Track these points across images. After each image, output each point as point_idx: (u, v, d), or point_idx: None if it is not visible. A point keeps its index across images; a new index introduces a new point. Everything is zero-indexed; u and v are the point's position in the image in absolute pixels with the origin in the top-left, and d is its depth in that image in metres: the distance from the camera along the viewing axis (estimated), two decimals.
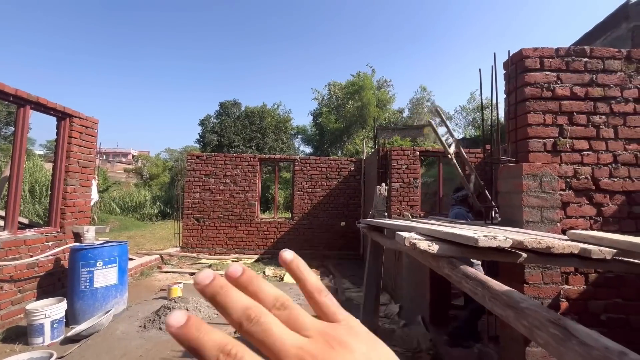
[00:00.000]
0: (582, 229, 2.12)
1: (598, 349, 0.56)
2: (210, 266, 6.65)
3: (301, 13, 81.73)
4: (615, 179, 2.23)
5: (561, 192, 2.18)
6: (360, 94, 22.30)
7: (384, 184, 2.95)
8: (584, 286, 2.16)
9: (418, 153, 6.00)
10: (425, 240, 1.30)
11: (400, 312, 4.28)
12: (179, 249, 7.68)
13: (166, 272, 6.06)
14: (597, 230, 2.20)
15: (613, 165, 2.24)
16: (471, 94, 29.30)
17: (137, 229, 12.53)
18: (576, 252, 1.16)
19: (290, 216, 8.21)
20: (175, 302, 3.82)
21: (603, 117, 2.27)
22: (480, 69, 2.57)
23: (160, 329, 3.33)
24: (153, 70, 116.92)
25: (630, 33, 8.34)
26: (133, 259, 6.06)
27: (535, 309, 0.74)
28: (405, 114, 29.95)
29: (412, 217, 4.77)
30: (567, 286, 2.15)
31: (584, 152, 2.24)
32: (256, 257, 7.59)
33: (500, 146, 2.65)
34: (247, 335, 0.19)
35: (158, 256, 6.70)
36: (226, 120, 23.23)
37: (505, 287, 0.87)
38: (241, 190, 7.86)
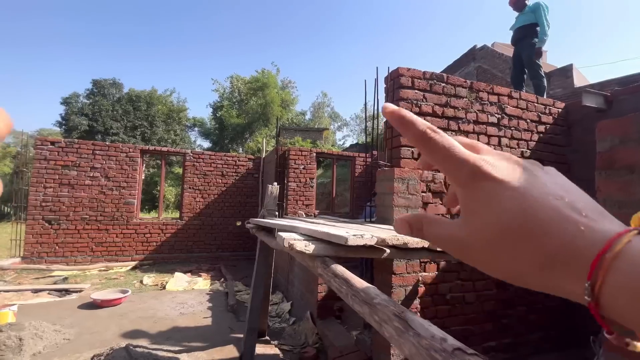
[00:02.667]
0: None
1: (426, 337, 0.62)
2: (66, 279, 5.37)
3: None
4: None
5: (423, 194, 2.56)
6: (264, 92, 22.00)
7: (275, 183, 2.92)
8: (436, 272, 2.60)
9: (315, 154, 6.25)
10: (303, 240, 1.30)
11: (292, 310, 4.35)
12: (18, 259, 5.95)
13: None
14: None
15: None
16: (365, 104, 32.69)
17: None
18: (426, 245, 1.35)
19: (179, 216, 7.40)
20: (1, 330, 2.90)
21: (454, 133, 2.78)
22: (365, 80, 2.80)
23: None
24: None
25: (475, 70, 10.74)
26: None
27: (385, 303, 0.78)
28: (308, 116, 31.14)
29: (307, 215, 4.92)
30: (424, 273, 2.54)
31: None
32: (133, 264, 6.54)
33: (383, 152, 2.96)
34: (428, 142, 0.22)
35: None
36: (101, 101, 19.43)
37: (365, 284, 0.92)
38: (115, 186, 6.64)
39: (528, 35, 4.15)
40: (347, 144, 25.49)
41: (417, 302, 2.42)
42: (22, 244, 6.08)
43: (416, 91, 2.65)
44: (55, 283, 5.12)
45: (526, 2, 4.18)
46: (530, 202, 0.19)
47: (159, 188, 14.47)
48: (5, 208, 12.73)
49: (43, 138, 6.56)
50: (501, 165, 0.21)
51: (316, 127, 24.19)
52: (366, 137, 3.26)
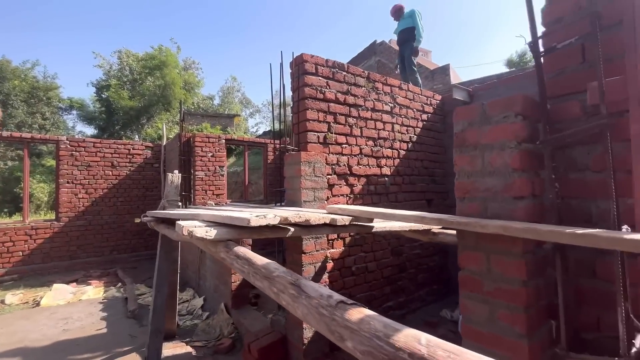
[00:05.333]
0: (342, 204, 2.74)
1: (315, 297, 0.67)
2: None
3: None
4: (361, 166, 3.03)
5: (328, 176, 2.72)
6: (162, 71, 19.48)
7: (176, 171, 2.68)
8: (342, 248, 2.83)
9: (224, 141, 5.94)
10: (205, 226, 1.24)
11: (205, 305, 4.14)
12: None
13: None
14: (351, 204, 2.92)
15: (360, 156, 3.03)
16: (276, 91, 32.30)
17: None
18: (327, 221, 1.45)
19: (54, 217, 6.12)
20: None
21: (354, 119, 3.00)
22: (270, 64, 2.77)
23: None
24: None
25: (376, 64, 11.72)
26: None
27: (283, 275, 0.82)
28: (216, 101, 29.11)
29: (216, 205, 4.67)
30: (332, 250, 2.74)
31: (343, 145, 2.90)
32: None
33: (291, 138, 3.00)
34: None
35: None
36: None
37: (266, 261, 0.94)
38: None
39: (409, 38, 4.78)
40: (261, 131, 24.92)
41: (326, 276, 2.60)
42: None
43: (320, 78, 2.75)
44: None
45: (403, 11, 4.87)
46: None
47: (22, 185, 11.52)
48: None
49: None
50: None
51: (226, 113, 22.87)
52: (279, 123, 3.26)
